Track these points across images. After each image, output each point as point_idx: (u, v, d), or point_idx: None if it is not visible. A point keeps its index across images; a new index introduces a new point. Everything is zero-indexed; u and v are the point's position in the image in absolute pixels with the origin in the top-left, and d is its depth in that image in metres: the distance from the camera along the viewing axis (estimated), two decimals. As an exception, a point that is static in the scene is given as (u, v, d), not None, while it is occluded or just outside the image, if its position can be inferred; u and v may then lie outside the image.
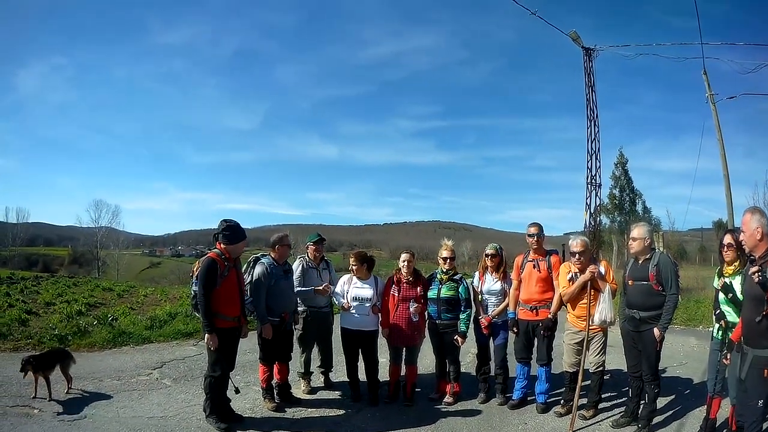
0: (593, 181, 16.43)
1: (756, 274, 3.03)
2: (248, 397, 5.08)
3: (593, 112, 16.31)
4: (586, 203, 16.46)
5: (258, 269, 4.66)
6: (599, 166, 16.58)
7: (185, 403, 4.90)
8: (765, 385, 2.99)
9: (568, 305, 4.77)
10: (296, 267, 5.17)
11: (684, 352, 7.78)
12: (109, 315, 8.64)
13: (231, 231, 4.26)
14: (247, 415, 4.60)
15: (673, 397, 5.35)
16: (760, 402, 3.00)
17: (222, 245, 4.24)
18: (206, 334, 4.13)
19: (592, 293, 4.59)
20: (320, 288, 5.05)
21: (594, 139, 16.43)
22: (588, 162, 16.44)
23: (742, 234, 3.31)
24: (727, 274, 4.12)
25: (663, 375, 6.18)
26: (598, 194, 16.73)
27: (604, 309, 4.51)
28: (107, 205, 54.90)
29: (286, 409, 4.79)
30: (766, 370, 2.99)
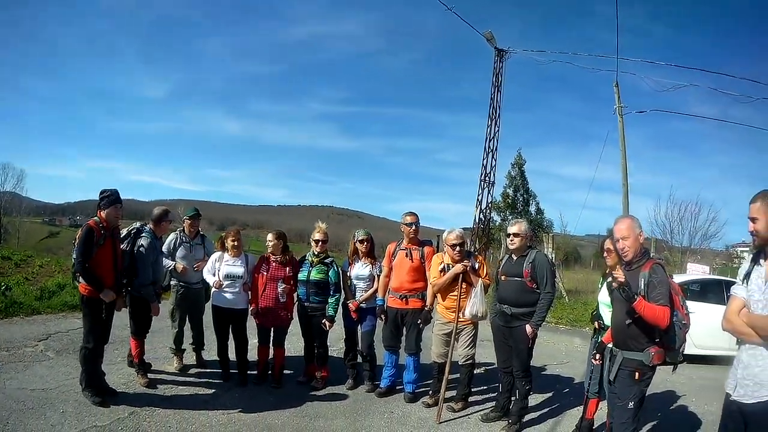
0: (487, 178, 16.57)
1: (615, 281, 3.04)
2: (123, 371, 4.97)
3: (496, 112, 16.47)
4: (478, 199, 16.62)
5: (144, 241, 4.55)
6: (495, 165, 16.72)
7: (66, 376, 4.80)
8: (635, 387, 3.05)
9: (438, 296, 4.57)
10: (170, 239, 5.06)
11: (566, 352, 7.73)
12: (3, 284, 8.53)
13: (106, 197, 4.15)
14: (120, 390, 4.49)
15: (551, 394, 5.22)
16: (631, 403, 3.04)
17: (101, 213, 4.14)
18: (103, 297, 4.05)
19: (464, 287, 4.40)
20: (180, 266, 4.97)
21: (493, 137, 16.53)
22: (484, 159, 16.61)
23: (622, 241, 3.15)
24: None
25: (543, 373, 6.17)
26: (491, 192, 16.98)
27: (475, 303, 4.33)
28: (13, 169, 49.07)
29: (158, 386, 4.69)
30: (637, 372, 3.04)
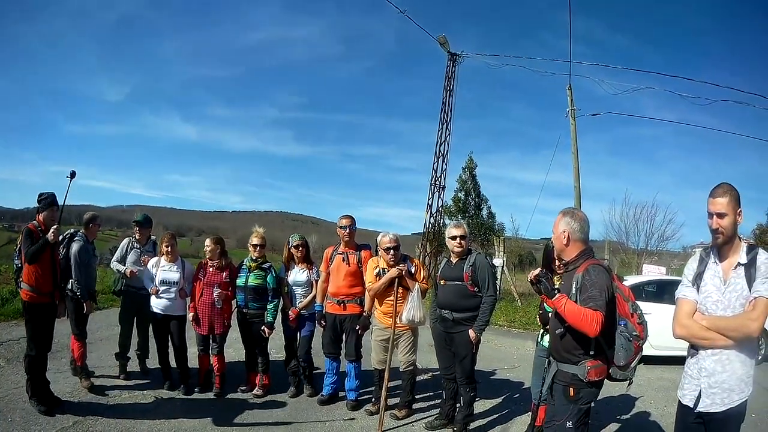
0: (437, 182, 16.40)
1: (534, 276, 2.75)
2: (68, 380, 4.90)
3: (447, 116, 16.28)
4: (428, 204, 16.42)
5: (76, 245, 4.58)
6: (445, 169, 16.54)
7: (15, 384, 4.74)
8: (571, 405, 2.63)
9: (376, 301, 4.41)
10: (122, 245, 5.14)
11: (518, 356, 7.50)
12: (-41, 292, 8.42)
13: (43, 200, 4.12)
14: (66, 399, 4.43)
15: (499, 400, 5.07)
16: (569, 423, 2.62)
17: (39, 216, 4.12)
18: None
19: (401, 291, 4.24)
20: (128, 270, 4.94)
21: (444, 141, 16.35)
22: (434, 164, 16.43)
23: (552, 236, 2.90)
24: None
25: (492, 377, 6.01)
26: (441, 196, 16.75)
27: (412, 308, 4.17)
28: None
29: (103, 393, 4.62)
30: (571, 389, 2.62)
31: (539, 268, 2.89)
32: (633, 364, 2.66)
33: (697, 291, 2.43)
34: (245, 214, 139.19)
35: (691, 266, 2.52)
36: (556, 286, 2.75)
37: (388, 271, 4.24)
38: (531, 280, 2.80)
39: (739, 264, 2.32)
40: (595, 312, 2.45)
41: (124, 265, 5.00)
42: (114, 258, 5.10)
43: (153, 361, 5.23)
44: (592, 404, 2.73)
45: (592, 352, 2.57)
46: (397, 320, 4.20)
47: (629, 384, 2.81)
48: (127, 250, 5.08)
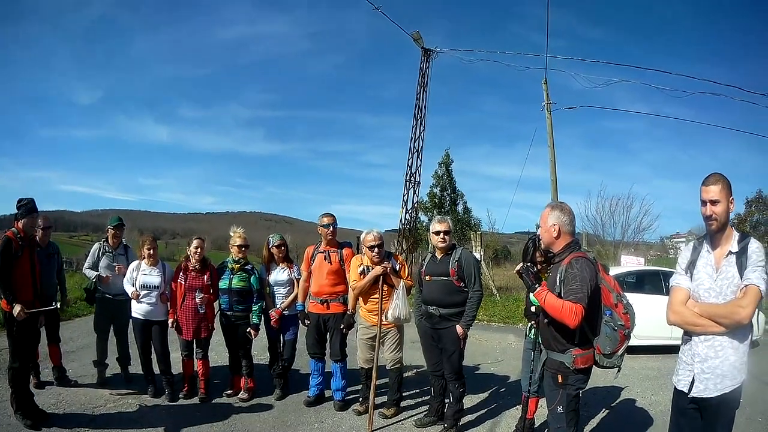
0: (412, 178, 16.49)
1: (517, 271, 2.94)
2: (52, 391, 4.79)
3: (421, 112, 16.39)
4: (404, 200, 16.55)
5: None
6: (420, 165, 16.69)
7: None
8: (559, 391, 2.75)
9: (360, 299, 4.37)
10: (93, 249, 5.03)
11: (501, 350, 7.58)
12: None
13: (23, 206, 4.00)
14: (50, 411, 4.31)
15: (487, 395, 5.08)
16: (559, 408, 2.74)
17: (18, 223, 4.00)
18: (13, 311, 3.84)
19: (386, 289, 4.21)
20: (103, 275, 4.86)
21: (418, 137, 16.45)
22: (409, 160, 16.50)
23: (540, 229, 2.95)
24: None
25: (477, 372, 6.01)
26: (417, 192, 16.89)
27: (397, 305, 4.13)
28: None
29: (86, 405, 4.50)
30: (560, 376, 2.73)
31: (521, 263, 2.98)
32: (620, 352, 2.71)
33: (690, 279, 2.48)
34: (219, 215, 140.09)
35: (685, 255, 2.58)
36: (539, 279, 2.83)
37: (373, 268, 4.20)
38: (515, 270, 2.97)
39: (730, 252, 2.38)
40: (575, 305, 2.53)
41: (96, 271, 4.91)
42: (86, 264, 4.98)
43: (135, 368, 5.13)
44: (581, 392, 2.80)
45: (576, 342, 2.66)
46: (383, 318, 4.17)
47: (618, 371, 2.86)
48: (98, 255, 4.97)
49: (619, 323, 2.67)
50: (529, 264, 2.92)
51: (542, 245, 2.97)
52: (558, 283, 2.71)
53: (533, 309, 3.01)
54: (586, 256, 2.74)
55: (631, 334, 2.79)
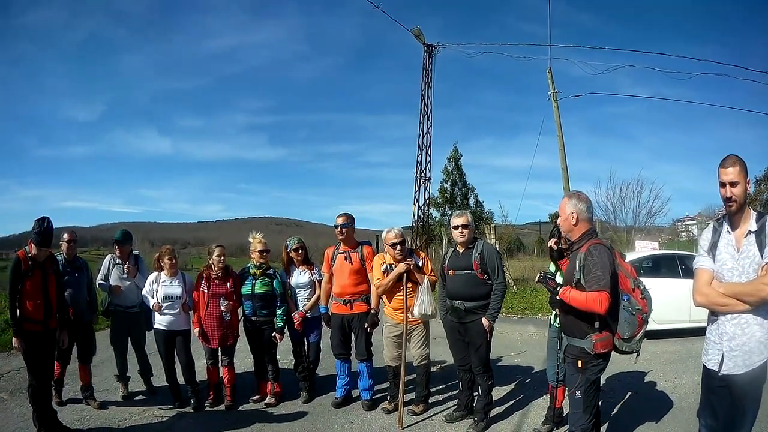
0: (422, 175, 16.52)
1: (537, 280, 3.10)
2: (76, 407, 4.75)
3: (427, 108, 16.37)
4: (415, 197, 16.55)
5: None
6: (429, 161, 16.66)
7: (21, 417, 4.55)
8: (579, 375, 2.84)
9: (384, 298, 4.37)
10: (105, 263, 4.97)
11: (522, 341, 7.58)
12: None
13: (37, 234, 3.93)
14: (75, 428, 4.28)
15: (512, 386, 5.09)
16: (578, 393, 2.84)
17: (32, 245, 3.94)
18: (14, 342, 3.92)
19: (410, 286, 4.21)
20: (114, 285, 4.85)
21: (426, 134, 16.46)
22: (418, 157, 16.51)
23: (559, 218, 3.08)
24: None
25: (500, 364, 6.03)
26: (428, 188, 16.88)
27: (423, 302, 4.14)
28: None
29: (110, 419, 4.48)
30: (580, 361, 2.82)
31: (539, 273, 3.14)
32: (638, 337, 2.77)
33: (713, 260, 2.53)
34: (229, 222, 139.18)
35: (706, 236, 2.63)
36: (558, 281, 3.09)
37: (396, 266, 4.21)
38: (536, 279, 3.13)
39: (750, 231, 2.43)
40: (599, 292, 2.65)
41: (109, 283, 4.89)
42: (98, 277, 4.95)
43: (158, 379, 5.12)
44: (602, 379, 2.92)
45: (597, 326, 2.76)
46: (409, 315, 4.18)
47: (637, 356, 2.94)
48: (109, 267, 4.94)
49: (637, 308, 2.74)
50: (542, 273, 3.10)
51: (563, 234, 3.10)
52: (577, 269, 2.80)
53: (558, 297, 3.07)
54: (603, 242, 2.85)
55: (650, 319, 2.90)
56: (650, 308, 2.82)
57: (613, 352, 2.88)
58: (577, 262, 2.82)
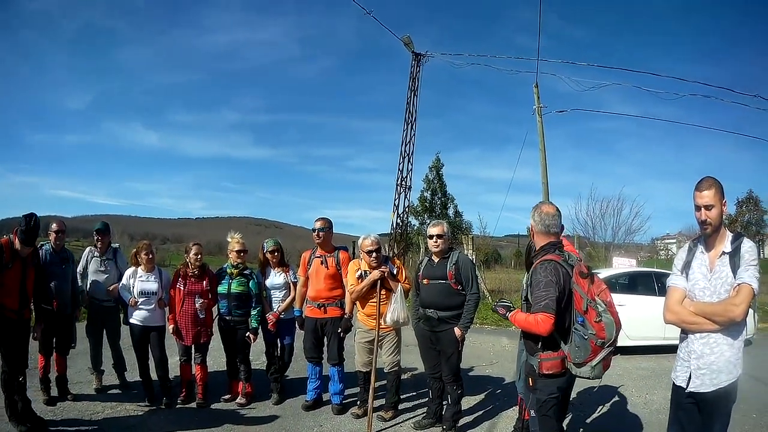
0: (403, 183, 16.49)
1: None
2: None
3: (412, 116, 16.39)
4: (395, 204, 16.49)
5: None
6: (411, 169, 16.64)
7: None
8: (530, 395, 2.76)
9: (358, 303, 4.41)
10: (84, 255, 4.97)
11: (495, 352, 7.62)
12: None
13: (23, 232, 3.91)
14: (48, 418, 4.27)
15: (483, 396, 5.12)
16: (532, 412, 2.75)
17: (16, 238, 3.93)
18: None
19: (384, 293, 4.24)
20: (110, 288, 4.84)
21: (409, 142, 16.45)
22: (400, 164, 16.49)
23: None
24: None
25: (471, 374, 6.07)
26: (408, 196, 16.87)
27: (396, 309, 4.17)
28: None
29: (84, 411, 4.49)
30: (530, 379, 2.74)
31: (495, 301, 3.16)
32: (593, 363, 2.53)
33: (686, 279, 2.55)
34: (209, 220, 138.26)
35: (681, 256, 2.65)
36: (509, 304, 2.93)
37: (370, 273, 4.23)
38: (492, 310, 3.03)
39: (724, 253, 2.45)
40: (538, 314, 2.53)
41: (87, 276, 4.91)
42: (77, 270, 4.92)
43: (132, 374, 5.13)
44: (573, 393, 2.80)
45: (541, 346, 2.65)
46: (381, 322, 4.20)
47: (599, 382, 2.73)
48: (88, 259, 4.95)
49: (590, 332, 2.49)
50: (496, 301, 3.03)
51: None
52: (525, 286, 2.79)
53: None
54: (556, 258, 2.64)
55: (626, 335, 2.84)
56: (610, 334, 2.51)
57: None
58: (525, 279, 2.82)
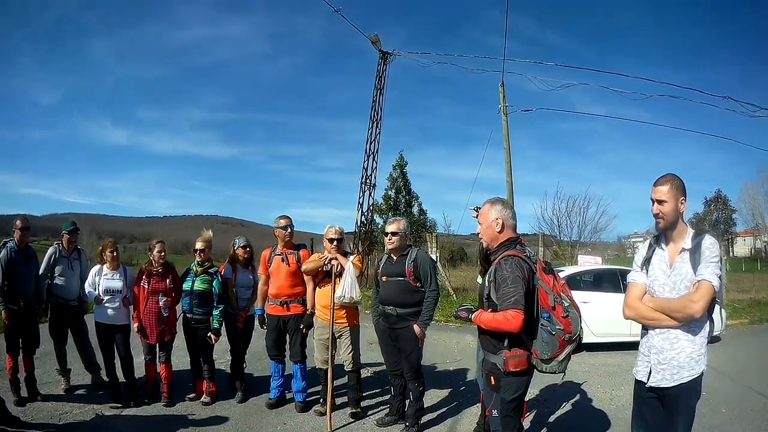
0: (368, 181, 16.50)
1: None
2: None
3: (377, 115, 16.41)
4: (359, 203, 16.52)
5: (3, 253, 4.50)
6: (376, 167, 16.66)
7: None
8: (493, 394, 2.67)
9: (317, 298, 4.43)
10: (49, 254, 4.93)
11: (459, 349, 7.60)
12: None
13: None
14: (24, 419, 4.27)
15: (446, 393, 5.14)
16: (494, 412, 2.67)
17: None
18: None
19: (338, 282, 4.25)
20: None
21: (374, 140, 16.46)
22: (365, 162, 16.54)
23: (479, 227, 2.85)
24: None
25: (435, 371, 6.07)
26: (372, 194, 16.87)
27: (345, 286, 4.15)
28: None
29: (53, 412, 4.49)
30: (492, 377, 2.66)
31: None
32: (560, 357, 2.56)
33: (646, 275, 2.56)
34: (176, 219, 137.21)
35: (641, 252, 2.67)
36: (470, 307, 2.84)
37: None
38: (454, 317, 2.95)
39: (683, 249, 2.46)
40: (508, 311, 2.48)
41: (53, 276, 4.84)
42: (41, 270, 4.84)
43: (101, 373, 5.13)
44: (536, 390, 2.70)
45: (506, 343, 2.60)
46: (335, 299, 4.19)
47: (563, 377, 2.79)
48: (53, 260, 4.88)
49: (557, 327, 2.52)
50: (458, 307, 2.90)
51: (485, 244, 2.83)
52: (487, 284, 2.66)
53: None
54: (519, 254, 2.62)
55: (591, 332, 2.77)
56: (576, 328, 2.56)
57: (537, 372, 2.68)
58: (488, 275, 2.67)
